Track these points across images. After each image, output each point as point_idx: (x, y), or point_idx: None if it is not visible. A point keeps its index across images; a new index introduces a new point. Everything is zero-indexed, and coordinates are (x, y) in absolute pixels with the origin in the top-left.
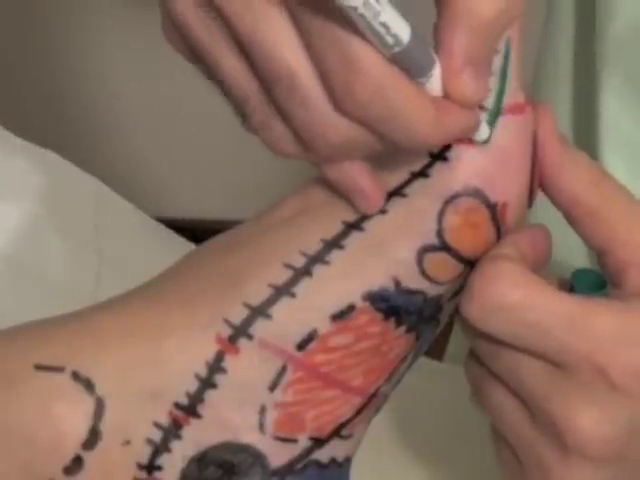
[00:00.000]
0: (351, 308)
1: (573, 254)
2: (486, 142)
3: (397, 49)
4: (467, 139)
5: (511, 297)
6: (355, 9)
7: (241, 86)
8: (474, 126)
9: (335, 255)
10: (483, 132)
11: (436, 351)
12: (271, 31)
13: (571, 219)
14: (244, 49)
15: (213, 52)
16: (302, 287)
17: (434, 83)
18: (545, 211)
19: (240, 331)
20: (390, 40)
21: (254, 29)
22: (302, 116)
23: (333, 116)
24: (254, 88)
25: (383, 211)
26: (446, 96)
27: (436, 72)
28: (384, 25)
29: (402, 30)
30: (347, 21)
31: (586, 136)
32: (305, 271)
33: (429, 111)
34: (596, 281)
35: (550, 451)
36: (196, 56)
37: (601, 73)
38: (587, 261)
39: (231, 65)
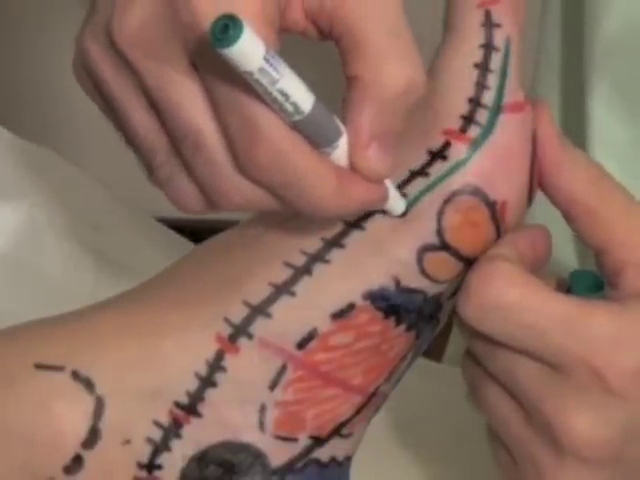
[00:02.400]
0: (351, 307)
1: (562, 252)
2: (402, 216)
3: (297, 117)
4: (463, 139)
5: (507, 297)
6: (251, 74)
7: (149, 140)
8: (379, 200)
9: (335, 254)
10: (398, 206)
11: (435, 352)
12: (180, 89)
13: (569, 218)
14: (154, 103)
15: (123, 103)
16: (302, 286)
17: (340, 153)
18: (535, 207)
19: (240, 330)
20: (290, 108)
21: (163, 86)
22: (206, 174)
23: (236, 177)
24: (162, 143)
25: (383, 210)
26: (352, 168)
27: (342, 142)
28: (282, 93)
29: (303, 99)
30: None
31: (576, 142)
32: (305, 270)
33: (330, 181)
34: (594, 282)
35: (545, 453)
36: (105, 103)
37: (589, 80)
38: (575, 259)
39: (141, 118)
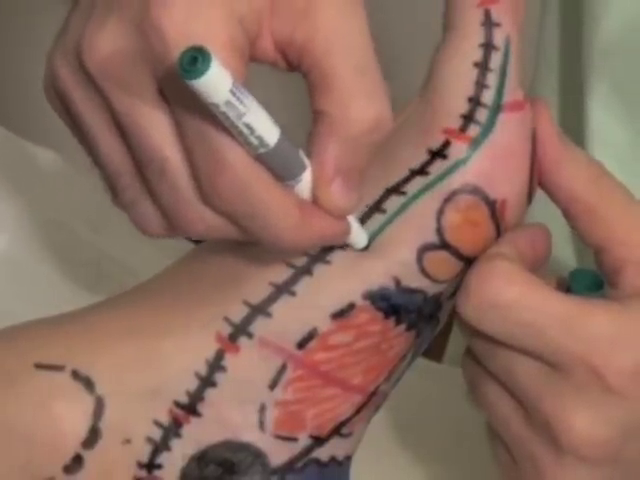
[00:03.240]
0: (351, 307)
1: (560, 251)
2: (365, 249)
3: (262, 150)
4: (463, 138)
5: (506, 296)
6: (217, 106)
7: (115, 163)
8: (341, 235)
9: (336, 254)
10: (360, 240)
11: (435, 352)
12: (147, 116)
13: (569, 216)
14: (121, 127)
15: (91, 125)
16: (302, 286)
17: (304, 187)
18: (533, 206)
19: (240, 329)
20: (255, 141)
21: (131, 111)
22: (170, 201)
23: (199, 206)
24: (128, 166)
25: (383, 210)
26: (315, 202)
27: (306, 176)
28: (248, 126)
29: (269, 133)
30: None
31: (575, 142)
32: (306, 270)
33: (293, 214)
34: (594, 281)
35: (545, 451)
36: (73, 122)
37: (588, 80)
38: (574, 257)
39: (107, 141)
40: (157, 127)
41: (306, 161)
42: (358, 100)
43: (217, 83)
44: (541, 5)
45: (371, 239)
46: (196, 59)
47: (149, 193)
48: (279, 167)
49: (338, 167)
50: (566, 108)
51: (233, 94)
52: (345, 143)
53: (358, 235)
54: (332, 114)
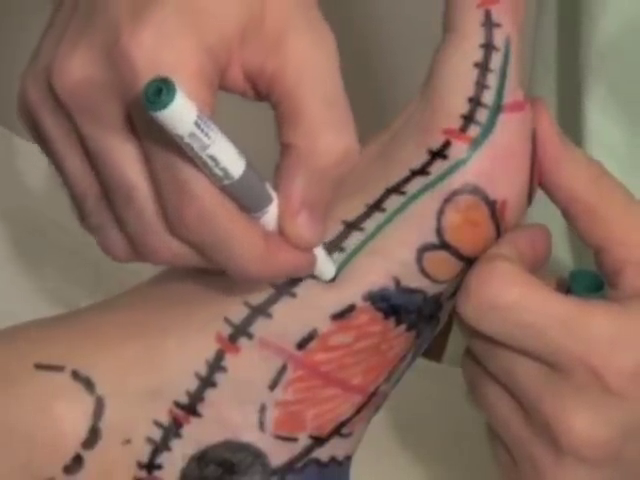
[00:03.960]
0: (351, 308)
1: (557, 250)
2: (332, 281)
3: (227, 182)
4: (464, 138)
5: (506, 297)
6: (181, 138)
7: (82, 187)
8: (306, 268)
9: (336, 256)
10: (328, 271)
11: (435, 352)
12: (114, 143)
13: (569, 216)
14: (88, 152)
15: (58, 147)
16: (303, 287)
17: (270, 219)
18: (531, 206)
19: (240, 330)
20: (219, 172)
21: (98, 138)
22: (136, 228)
23: (165, 234)
24: (94, 191)
25: (382, 209)
26: (281, 235)
27: (272, 208)
28: (212, 158)
29: (234, 165)
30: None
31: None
32: None
33: (258, 246)
34: (594, 282)
35: (544, 452)
36: (43, 143)
37: (586, 82)
38: (571, 257)
39: (74, 165)
40: (124, 155)
41: (272, 193)
42: (326, 133)
43: (181, 115)
44: (537, 5)
45: (339, 270)
46: (161, 90)
47: (115, 219)
48: (245, 198)
49: (304, 200)
50: (563, 109)
51: (197, 126)
52: (312, 176)
53: (325, 267)
54: (300, 146)
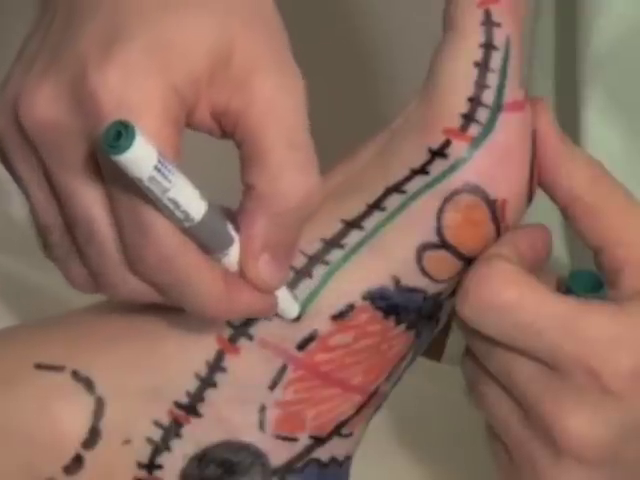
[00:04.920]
0: (351, 307)
1: (554, 249)
2: (296, 320)
3: (188, 224)
4: (464, 138)
5: (504, 297)
6: (141, 181)
7: (45, 218)
8: (267, 309)
9: (335, 254)
10: (291, 310)
11: (435, 352)
12: (78, 180)
13: (569, 216)
14: (52, 185)
15: (23, 177)
16: (302, 288)
17: (232, 260)
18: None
19: (240, 331)
20: (180, 215)
21: (62, 173)
22: (97, 264)
23: (126, 271)
24: (57, 224)
25: (382, 208)
26: (242, 276)
27: (234, 250)
28: (173, 201)
29: (194, 208)
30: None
31: None
32: (305, 271)
33: (217, 287)
34: (593, 282)
35: (543, 453)
36: (10, 170)
37: (583, 89)
38: (567, 256)
39: (38, 197)
40: (88, 195)
41: (234, 234)
42: (288, 176)
43: (141, 159)
44: (534, 10)
45: (303, 308)
46: (120, 134)
47: (77, 252)
48: (206, 240)
49: (266, 242)
50: (561, 111)
51: (158, 170)
52: (273, 219)
53: (288, 306)
54: (262, 189)
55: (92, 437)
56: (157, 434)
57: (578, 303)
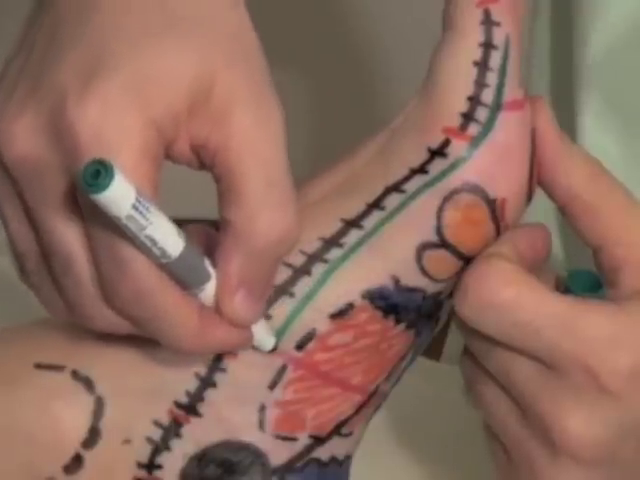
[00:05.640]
0: (350, 307)
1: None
2: (272, 351)
3: (165, 261)
4: (463, 137)
5: (503, 296)
6: (119, 219)
7: (22, 247)
8: (242, 344)
9: (334, 254)
10: (267, 343)
11: (434, 351)
12: (56, 216)
13: (568, 215)
14: (30, 215)
15: (2, 205)
16: (301, 286)
17: (208, 295)
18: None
19: None
20: (157, 252)
21: (40, 205)
22: (73, 295)
23: (101, 304)
24: (34, 253)
25: (382, 208)
26: (218, 312)
27: (211, 285)
28: (150, 238)
29: (172, 245)
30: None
31: None
32: (304, 270)
33: (192, 321)
34: (592, 281)
35: (541, 452)
36: None
37: (579, 92)
38: (563, 255)
39: (16, 226)
40: (65, 229)
41: (211, 270)
42: (265, 213)
43: (119, 198)
44: (531, 13)
45: (278, 340)
46: (99, 173)
47: (54, 282)
48: (183, 276)
49: (242, 279)
50: (557, 114)
51: (135, 209)
52: (250, 256)
53: (264, 338)
54: (239, 225)
55: (92, 437)
56: (157, 434)
57: (577, 302)
